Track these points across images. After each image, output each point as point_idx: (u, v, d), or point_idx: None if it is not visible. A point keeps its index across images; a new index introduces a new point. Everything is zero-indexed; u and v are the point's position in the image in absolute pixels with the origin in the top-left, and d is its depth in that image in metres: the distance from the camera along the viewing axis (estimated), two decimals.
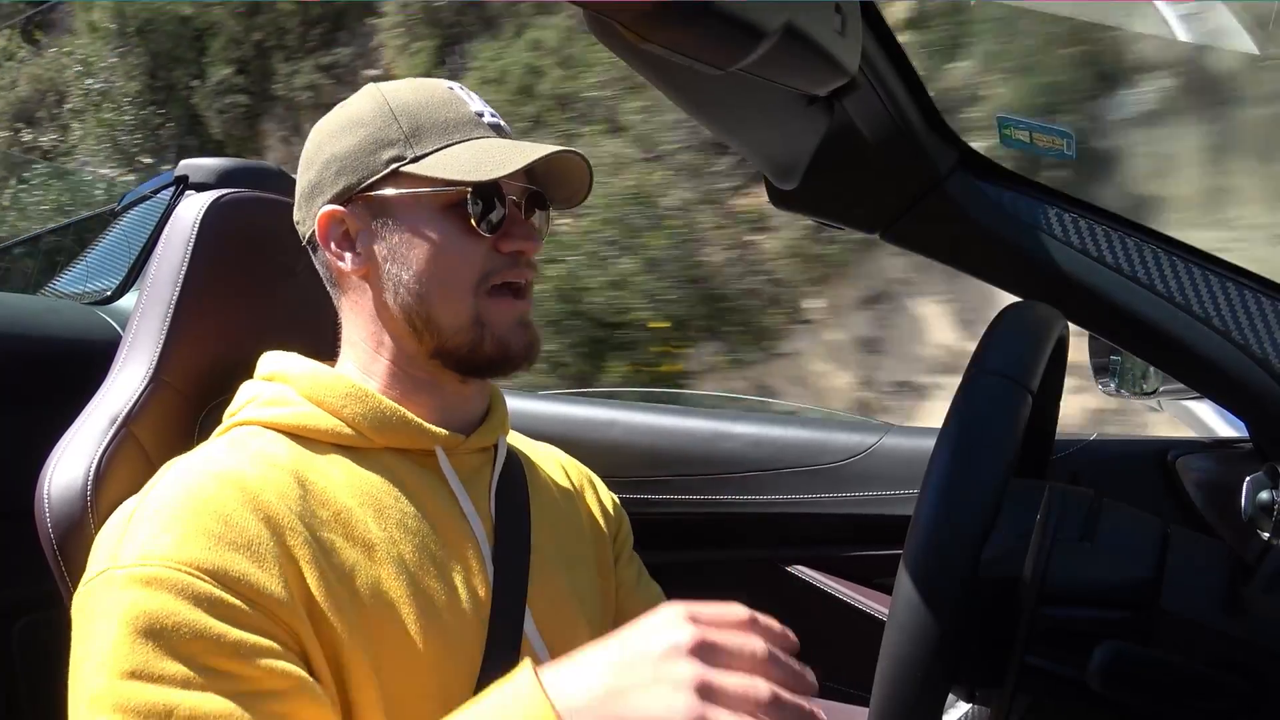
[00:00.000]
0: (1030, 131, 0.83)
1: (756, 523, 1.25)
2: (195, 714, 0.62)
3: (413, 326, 0.80)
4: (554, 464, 0.98)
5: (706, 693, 0.55)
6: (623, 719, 0.56)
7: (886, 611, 0.56)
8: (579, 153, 0.80)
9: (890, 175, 0.82)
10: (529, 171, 0.82)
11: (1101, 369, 1.31)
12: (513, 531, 0.83)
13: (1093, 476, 0.82)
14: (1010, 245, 0.82)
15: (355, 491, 0.75)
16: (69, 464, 0.80)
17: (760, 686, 0.55)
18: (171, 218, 0.94)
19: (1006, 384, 0.56)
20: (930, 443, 0.56)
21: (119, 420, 0.83)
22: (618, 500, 1.02)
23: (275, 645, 0.66)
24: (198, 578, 0.65)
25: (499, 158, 0.77)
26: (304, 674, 0.66)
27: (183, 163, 1.21)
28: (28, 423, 0.94)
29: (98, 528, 0.77)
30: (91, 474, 0.79)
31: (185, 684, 0.63)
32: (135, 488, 0.74)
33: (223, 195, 0.95)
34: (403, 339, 0.81)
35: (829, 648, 1.13)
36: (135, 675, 0.63)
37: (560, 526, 0.90)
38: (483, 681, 0.74)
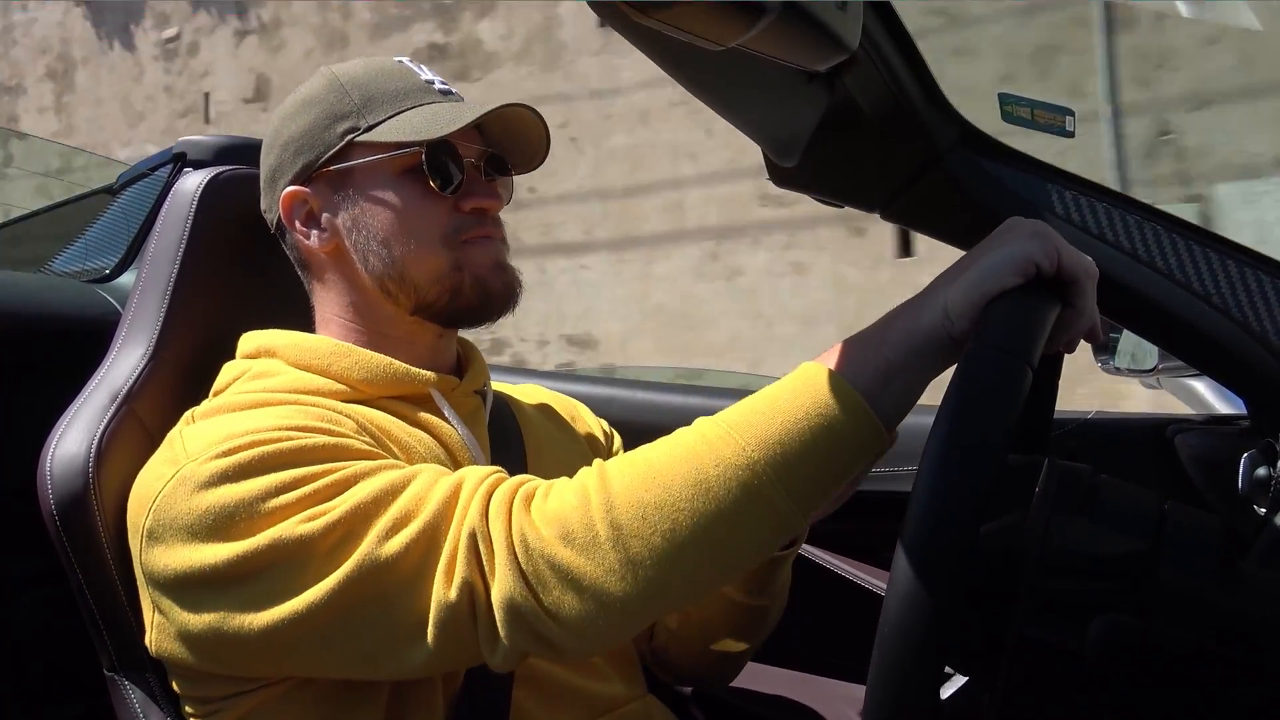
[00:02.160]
0: (1031, 109, 0.82)
1: None
2: (366, 469, 0.65)
3: (387, 291, 0.81)
4: (540, 399, 0.99)
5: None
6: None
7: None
8: (530, 107, 0.81)
9: (890, 152, 0.81)
10: (485, 135, 0.84)
11: (1101, 346, 1.31)
12: (509, 468, 0.85)
13: (1091, 453, 0.82)
14: None
15: (370, 425, 0.76)
16: (71, 440, 0.80)
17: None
18: (170, 195, 0.94)
19: (1007, 358, 0.56)
20: (930, 420, 0.56)
21: (120, 397, 0.84)
22: (605, 424, 1.03)
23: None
24: (291, 431, 0.68)
25: (448, 117, 0.78)
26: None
27: (180, 139, 1.20)
28: (28, 400, 0.94)
29: (100, 503, 0.77)
30: (93, 450, 0.79)
31: (335, 469, 0.65)
32: (136, 462, 0.75)
33: (220, 172, 0.94)
34: (379, 305, 0.83)
35: (829, 623, 1.14)
36: (292, 484, 0.64)
37: (560, 450, 0.92)
38: None
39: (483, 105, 0.80)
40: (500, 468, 0.68)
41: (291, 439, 0.67)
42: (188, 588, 0.66)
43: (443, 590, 0.61)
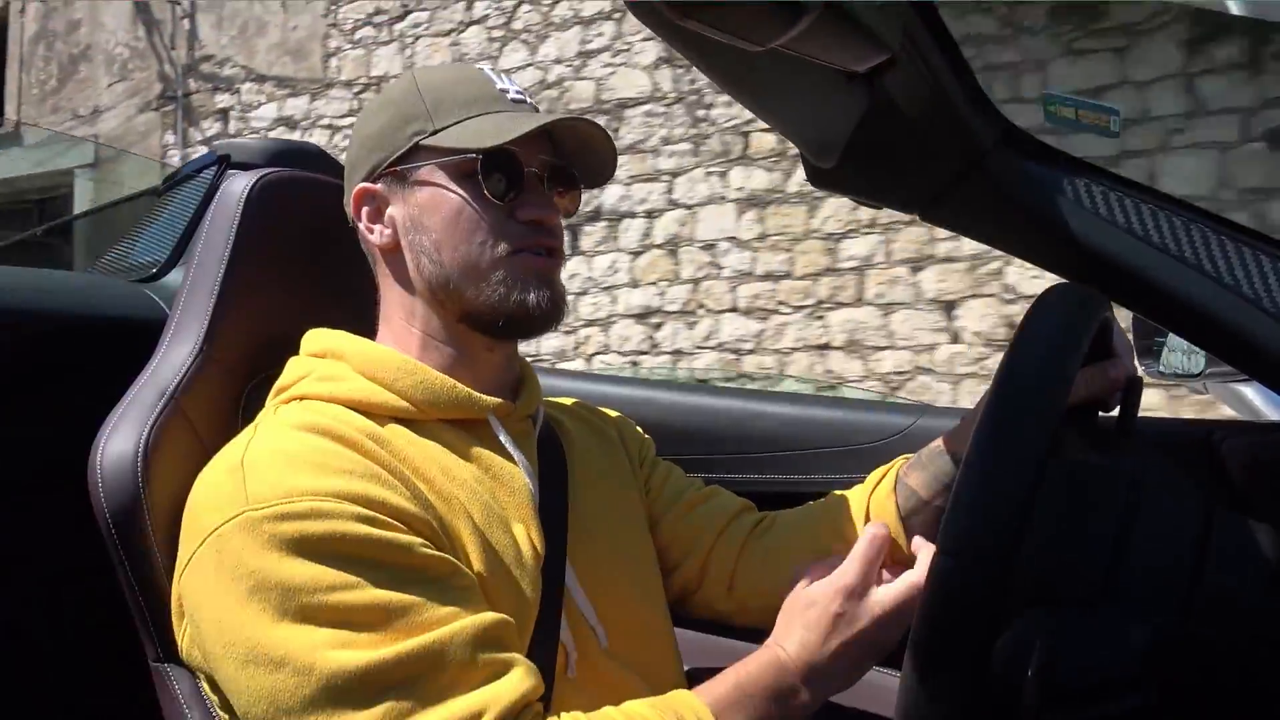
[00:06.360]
0: (1076, 108, 0.81)
1: (790, 503, 1.25)
2: (404, 605, 0.67)
3: (436, 295, 0.83)
4: (582, 414, 1.01)
5: None
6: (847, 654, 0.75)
7: None
8: (592, 121, 0.82)
9: (931, 153, 0.81)
10: (554, 145, 0.85)
11: (1146, 350, 1.29)
12: (554, 493, 0.86)
13: (1135, 458, 0.81)
14: (1054, 224, 0.80)
15: (421, 455, 0.78)
16: (120, 436, 0.82)
17: None
18: (217, 195, 0.95)
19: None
20: (952, 422, 0.55)
21: (167, 394, 0.85)
22: (640, 431, 1.05)
23: (431, 544, 0.72)
24: (347, 502, 0.69)
25: (508, 126, 0.80)
26: (456, 561, 0.74)
27: (224, 142, 1.23)
28: (76, 397, 0.97)
29: (149, 498, 0.79)
30: (142, 446, 0.81)
31: (380, 583, 0.67)
32: (184, 459, 0.77)
33: (267, 174, 0.96)
34: (430, 308, 0.84)
35: None
36: (332, 588, 0.67)
37: (602, 476, 0.93)
38: (537, 630, 0.78)
39: (539, 117, 0.81)
40: (525, 704, 0.69)
41: (346, 524, 0.68)
42: (207, 629, 0.70)
43: None
